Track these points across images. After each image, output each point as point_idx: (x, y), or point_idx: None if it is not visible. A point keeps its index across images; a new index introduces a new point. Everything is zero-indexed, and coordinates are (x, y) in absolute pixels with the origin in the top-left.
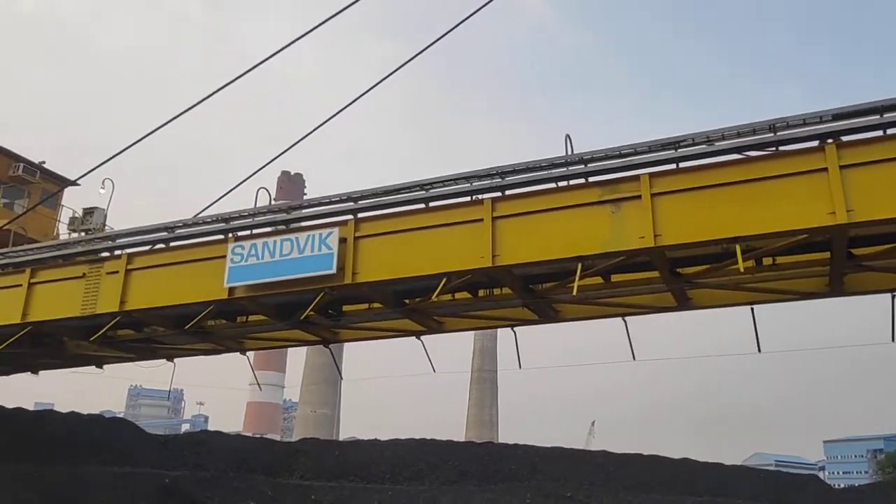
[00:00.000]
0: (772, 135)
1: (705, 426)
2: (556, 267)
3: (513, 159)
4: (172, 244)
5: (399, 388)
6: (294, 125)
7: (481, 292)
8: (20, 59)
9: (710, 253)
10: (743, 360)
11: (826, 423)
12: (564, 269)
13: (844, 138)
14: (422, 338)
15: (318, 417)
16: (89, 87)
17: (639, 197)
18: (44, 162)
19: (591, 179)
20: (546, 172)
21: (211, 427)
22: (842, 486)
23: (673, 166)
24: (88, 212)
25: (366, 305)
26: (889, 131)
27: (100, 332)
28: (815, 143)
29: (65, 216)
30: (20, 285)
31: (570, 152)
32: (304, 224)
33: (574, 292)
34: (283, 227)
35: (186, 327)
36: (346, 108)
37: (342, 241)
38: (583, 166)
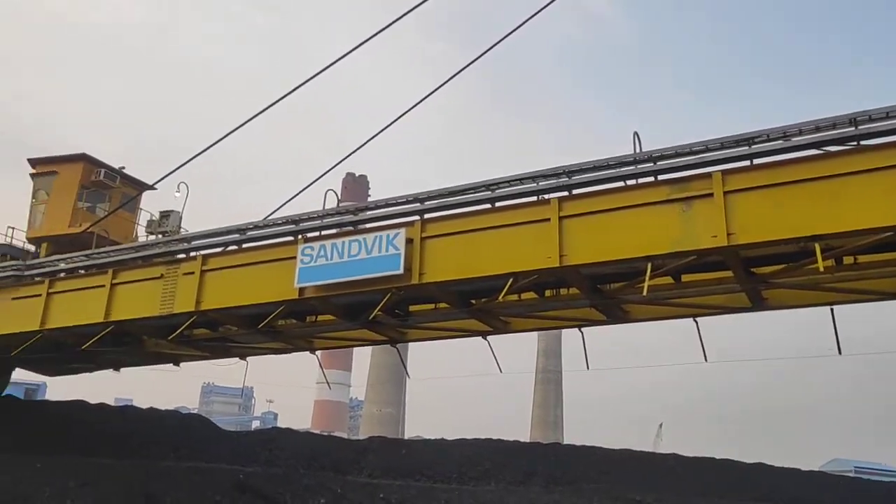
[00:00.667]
0: (853, 129)
1: (778, 429)
2: (624, 267)
3: (576, 159)
4: (244, 245)
5: (462, 388)
6: (356, 127)
7: (548, 292)
8: (98, 69)
9: (786, 252)
10: (820, 361)
11: None
12: (634, 269)
13: None
14: (486, 337)
15: (384, 416)
16: (162, 94)
17: (710, 195)
18: (123, 167)
19: (660, 178)
20: (614, 171)
21: (279, 424)
22: None
23: (747, 163)
24: (165, 215)
25: (432, 305)
26: None
27: (177, 332)
28: None
29: (143, 219)
30: (103, 286)
31: (638, 150)
32: (371, 225)
33: (644, 292)
34: (350, 228)
35: (259, 327)
36: (412, 109)
37: (409, 241)
38: (652, 164)
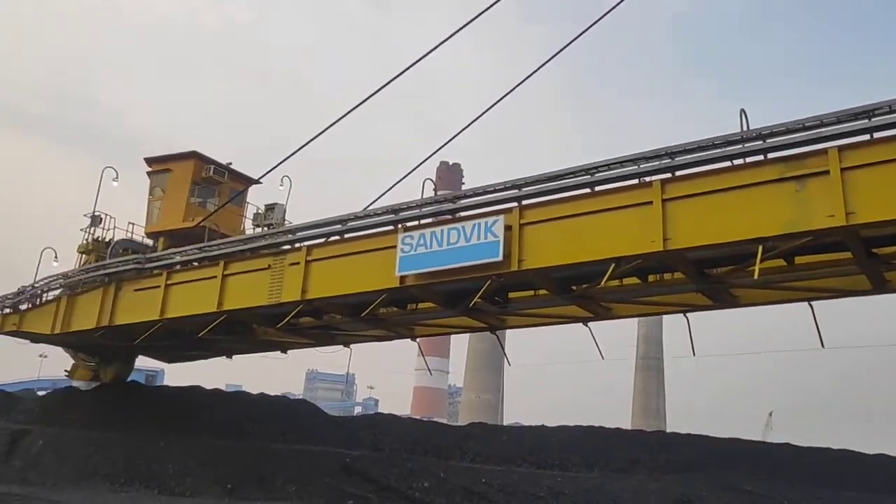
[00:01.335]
0: None
1: None
2: (733, 250)
3: (679, 140)
4: (346, 236)
5: (559, 375)
6: (450, 115)
7: (651, 277)
8: (204, 68)
9: None
10: None
11: None
12: (742, 252)
13: None
14: (587, 324)
15: (482, 403)
16: (264, 90)
17: (826, 172)
18: (230, 163)
19: (770, 156)
20: (720, 150)
21: (380, 410)
22: None
23: (866, 137)
24: (270, 207)
25: (532, 292)
26: None
27: (285, 320)
28: None
29: (249, 212)
30: (215, 277)
31: (745, 128)
32: (469, 213)
33: (755, 276)
34: (448, 216)
35: (362, 315)
36: (505, 95)
37: (508, 228)
38: (761, 142)
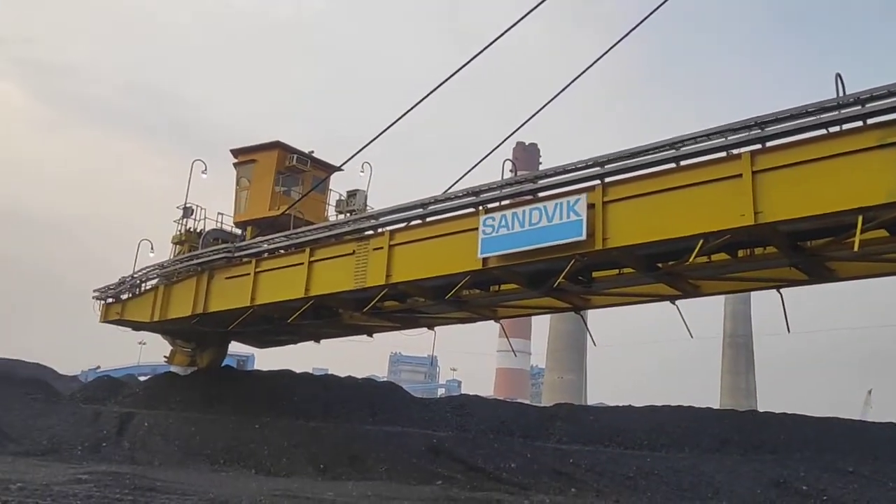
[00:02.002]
0: None
1: None
2: (830, 221)
3: (767, 110)
4: (428, 220)
5: (642, 354)
6: (524, 95)
7: (741, 252)
8: (280, 58)
9: None
10: None
11: None
12: (840, 223)
13: None
14: (675, 302)
15: (565, 383)
16: (340, 77)
17: None
18: (312, 151)
19: (869, 122)
20: (814, 118)
21: (464, 391)
22: None
23: None
24: (352, 194)
25: (616, 271)
26: None
27: (371, 304)
28: None
29: (332, 199)
30: (302, 263)
31: (841, 94)
32: (550, 192)
33: (855, 248)
34: (529, 196)
35: (445, 297)
36: (583, 73)
37: (590, 206)
38: (859, 107)
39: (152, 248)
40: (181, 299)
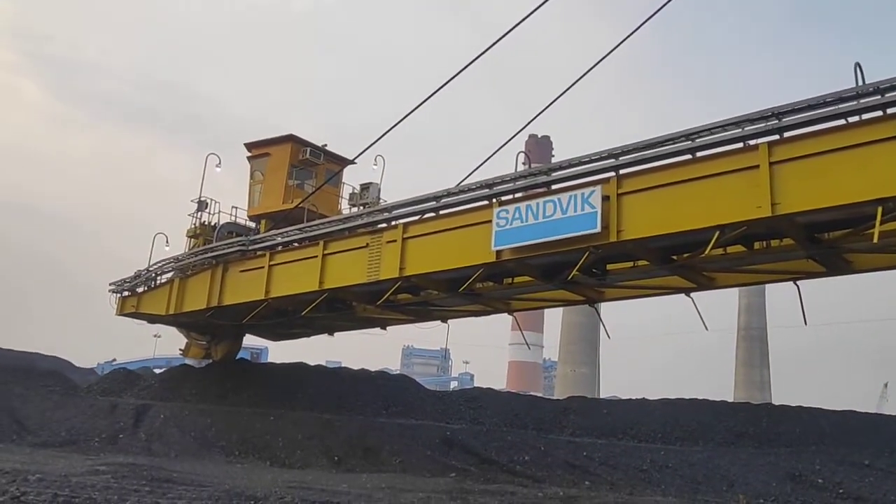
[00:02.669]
0: None
1: None
2: (848, 213)
3: (783, 101)
4: (441, 212)
5: (656, 347)
6: (537, 87)
7: (757, 244)
8: (294, 51)
9: None
10: None
11: None
12: (859, 215)
13: None
14: (689, 294)
15: (578, 377)
16: (353, 70)
17: None
18: (325, 145)
19: (889, 111)
20: (832, 108)
21: (476, 384)
22: None
23: None
24: (365, 187)
25: (630, 263)
26: None
27: (384, 297)
28: None
29: (345, 192)
30: (315, 256)
31: (860, 83)
32: (564, 185)
33: (875, 240)
34: (543, 188)
35: (459, 290)
36: (598, 63)
37: (605, 198)
38: (879, 97)
39: (167, 242)
40: (196, 292)
